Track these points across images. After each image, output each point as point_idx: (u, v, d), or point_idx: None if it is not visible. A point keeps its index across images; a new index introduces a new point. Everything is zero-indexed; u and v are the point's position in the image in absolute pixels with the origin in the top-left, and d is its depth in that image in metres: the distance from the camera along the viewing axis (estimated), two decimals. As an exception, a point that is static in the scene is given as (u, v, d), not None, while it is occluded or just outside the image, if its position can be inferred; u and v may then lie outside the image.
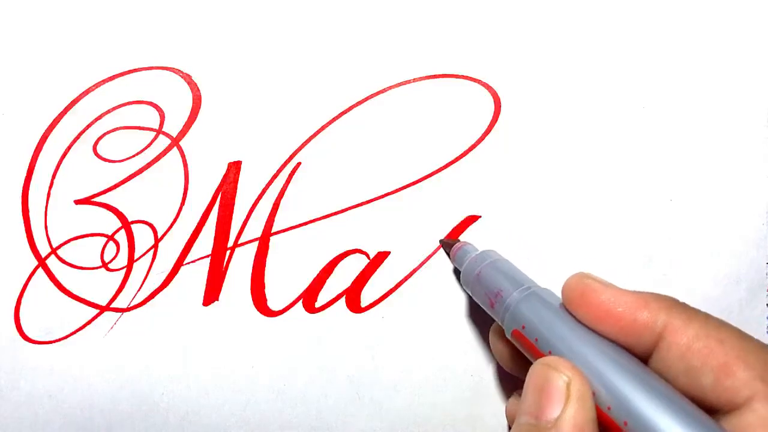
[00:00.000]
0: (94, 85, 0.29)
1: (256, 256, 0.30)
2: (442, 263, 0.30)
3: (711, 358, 0.20)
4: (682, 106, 0.30)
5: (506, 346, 0.27)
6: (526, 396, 0.21)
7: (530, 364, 0.22)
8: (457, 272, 0.30)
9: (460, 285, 0.29)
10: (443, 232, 0.30)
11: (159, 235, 0.29)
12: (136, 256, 0.29)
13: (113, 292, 0.29)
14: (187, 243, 0.29)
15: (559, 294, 0.23)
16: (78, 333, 0.29)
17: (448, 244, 0.29)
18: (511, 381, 0.30)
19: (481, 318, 0.30)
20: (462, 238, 0.30)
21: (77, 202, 0.29)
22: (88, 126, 0.29)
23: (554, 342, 0.22)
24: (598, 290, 0.22)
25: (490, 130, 0.30)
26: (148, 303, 0.29)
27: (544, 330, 0.22)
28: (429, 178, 0.30)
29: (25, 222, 0.29)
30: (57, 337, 0.29)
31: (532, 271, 0.30)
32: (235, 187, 0.30)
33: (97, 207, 0.29)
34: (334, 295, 0.30)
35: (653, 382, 0.19)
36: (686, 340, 0.20)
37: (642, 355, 0.21)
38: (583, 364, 0.20)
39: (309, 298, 0.30)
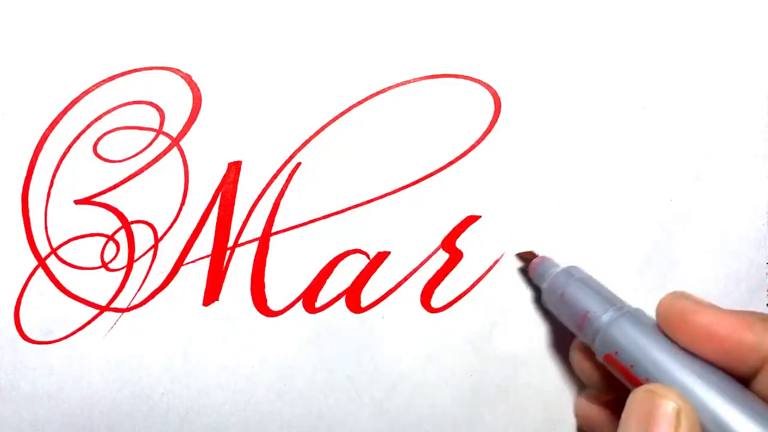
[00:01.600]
0: (94, 85, 0.29)
1: (256, 256, 0.30)
2: (442, 263, 0.30)
3: None
4: (682, 106, 0.30)
5: (595, 367, 0.26)
6: (629, 423, 0.20)
7: (622, 386, 0.21)
8: (533, 286, 0.29)
9: (542, 304, 0.28)
10: (443, 232, 0.30)
11: (159, 235, 0.29)
12: (136, 256, 0.29)
13: (113, 292, 0.29)
14: (187, 243, 0.29)
15: (651, 314, 0.22)
16: (78, 333, 0.29)
17: (526, 258, 0.28)
18: (511, 381, 0.30)
19: (481, 318, 0.30)
20: (465, 238, 0.30)
21: (77, 202, 0.29)
22: (88, 126, 0.29)
23: (652, 368, 0.21)
24: (697, 311, 0.21)
25: (490, 130, 0.30)
26: (148, 303, 0.29)
27: (641, 355, 0.21)
28: (429, 178, 0.30)
29: (25, 222, 0.29)
30: (57, 337, 0.29)
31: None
32: (235, 187, 0.30)
33: (97, 207, 0.29)
34: (334, 295, 0.30)
35: (759, 408, 0.19)
36: None
37: (743, 378, 0.20)
38: (685, 391, 0.19)
39: (309, 298, 0.30)
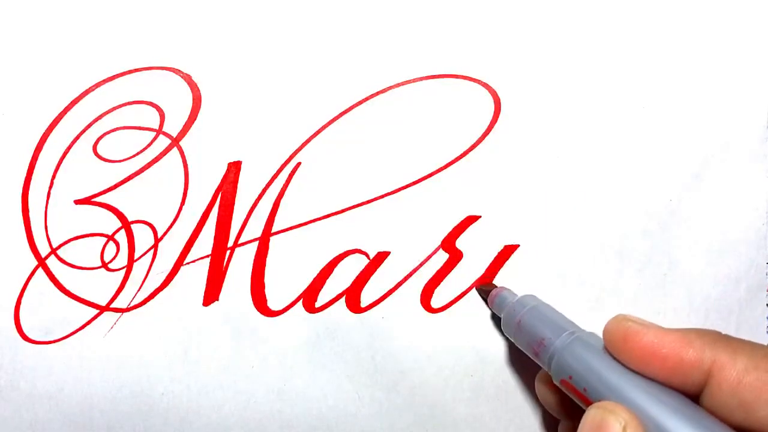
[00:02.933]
0: (94, 85, 0.29)
1: (256, 256, 0.30)
2: (442, 263, 0.30)
3: (764, 391, 0.19)
4: (682, 106, 0.30)
5: (554, 393, 0.26)
6: None
7: (579, 409, 0.22)
8: (494, 317, 0.30)
9: (501, 332, 0.29)
10: (443, 232, 0.30)
11: (159, 235, 0.29)
12: (136, 256, 0.29)
13: (113, 292, 0.29)
14: (187, 243, 0.29)
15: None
16: (78, 333, 0.29)
17: (485, 290, 0.29)
18: (511, 381, 0.30)
19: (481, 318, 0.30)
20: (465, 238, 0.30)
21: (77, 202, 0.29)
22: (88, 126, 0.29)
23: (603, 390, 0.21)
24: (640, 332, 0.21)
25: (490, 130, 0.30)
26: (148, 303, 0.29)
27: (592, 379, 0.22)
28: (429, 178, 0.30)
29: (25, 222, 0.29)
30: (57, 337, 0.29)
31: (533, 271, 0.30)
32: (235, 187, 0.30)
33: (97, 207, 0.29)
34: (334, 295, 0.30)
35: (707, 422, 0.19)
36: (736, 374, 0.20)
37: (692, 394, 0.21)
38: (635, 408, 0.20)
39: (309, 298, 0.30)
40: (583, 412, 0.21)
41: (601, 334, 0.23)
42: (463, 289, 0.30)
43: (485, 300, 0.29)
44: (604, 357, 0.22)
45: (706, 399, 0.21)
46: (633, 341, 0.21)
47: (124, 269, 0.29)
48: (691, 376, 0.21)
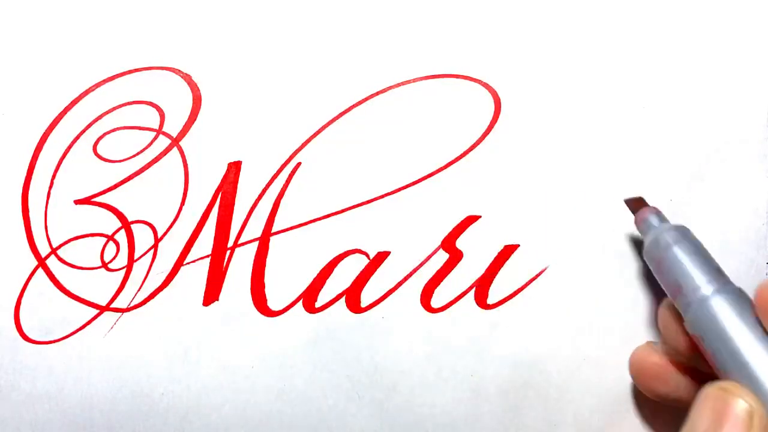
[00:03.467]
0: (94, 85, 0.29)
1: (256, 256, 0.30)
2: (442, 263, 0.30)
3: None
4: (682, 106, 0.30)
5: (681, 331, 0.24)
6: (699, 418, 0.19)
7: (702, 357, 0.20)
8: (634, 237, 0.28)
9: (642, 256, 0.27)
10: (443, 232, 0.30)
11: (159, 235, 0.29)
12: (136, 256, 0.29)
13: (113, 292, 0.29)
14: (187, 243, 0.29)
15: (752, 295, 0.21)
16: (78, 333, 0.29)
17: (634, 206, 0.27)
18: (511, 381, 0.30)
19: (481, 318, 0.30)
20: (465, 238, 0.30)
21: (77, 202, 0.29)
22: (88, 126, 0.29)
23: (735, 362, 0.19)
24: None
25: (490, 130, 0.30)
26: (148, 303, 0.29)
27: (724, 347, 0.20)
28: (429, 178, 0.30)
29: (25, 222, 0.29)
30: (57, 337, 0.29)
31: (533, 270, 0.30)
32: (235, 187, 0.30)
33: (97, 207, 0.29)
34: (334, 295, 0.30)
35: None
36: None
37: None
38: None
39: (309, 298, 0.30)
40: (703, 374, 0.19)
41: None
42: (464, 289, 0.30)
43: (633, 213, 0.27)
44: (748, 323, 0.20)
45: None
46: None
47: (124, 269, 0.29)
48: None
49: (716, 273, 0.23)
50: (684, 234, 0.25)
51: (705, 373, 0.24)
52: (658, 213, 0.26)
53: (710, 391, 0.19)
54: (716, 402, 0.19)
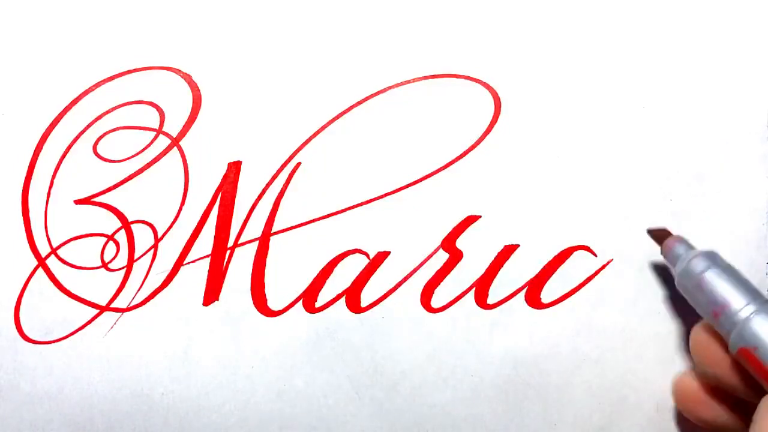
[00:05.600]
0: (94, 85, 0.29)
1: (256, 256, 0.30)
2: (442, 263, 0.30)
3: None
4: (682, 106, 0.30)
5: (718, 345, 0.24)
6: (763, 427, 0.19)
7: (752, 379, 0.20)
8: (658, 265, 0.28)
9: (675, 285, 0.27)
10: (443, 232, 0.30)
11: (159, 235, 0.29)
12: (136, 256, 0.29)
13: (113, 292, 0.29)
14: (187, 243, 0.29)
15: None
16: (78, 333, 0.29)
17: (658, 236, 0.28)
18: (511, 381, 0.30)
19: (481, 318, 0.30)
20: (465, 238, 0.30)
21: (77, 202, 0.29)
22: (88, 126, 0.29)
23: None
24: None
25: (490, 130, 0.30)
26: (148, 303, 0.29)
27: None
28: (429, 178, 0.30)
29: (25, 222, 0.29)
30: (57, 337, 0.29)
31: (533, 270, 0.30)
32: (235, 187, 0.30)
33: (97, 207, 0.29)
34: (334, 295, 0.30)
35: None
36: None
37: None
38: None
39: (309, 298, 0.30)
40: (748, 380, 0.20)
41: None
42: (463, 289, 0.30)
43: (659, 244, 0.27)
44: None
45: None
46: None
47: (124, 269, 0.29)
48: None
49: (755, 290, 0.24)
50: (715, 257, 0.26)
51: (738, 398, 0.25)
52: (684, 241, 0.27)
53: None
54: None
